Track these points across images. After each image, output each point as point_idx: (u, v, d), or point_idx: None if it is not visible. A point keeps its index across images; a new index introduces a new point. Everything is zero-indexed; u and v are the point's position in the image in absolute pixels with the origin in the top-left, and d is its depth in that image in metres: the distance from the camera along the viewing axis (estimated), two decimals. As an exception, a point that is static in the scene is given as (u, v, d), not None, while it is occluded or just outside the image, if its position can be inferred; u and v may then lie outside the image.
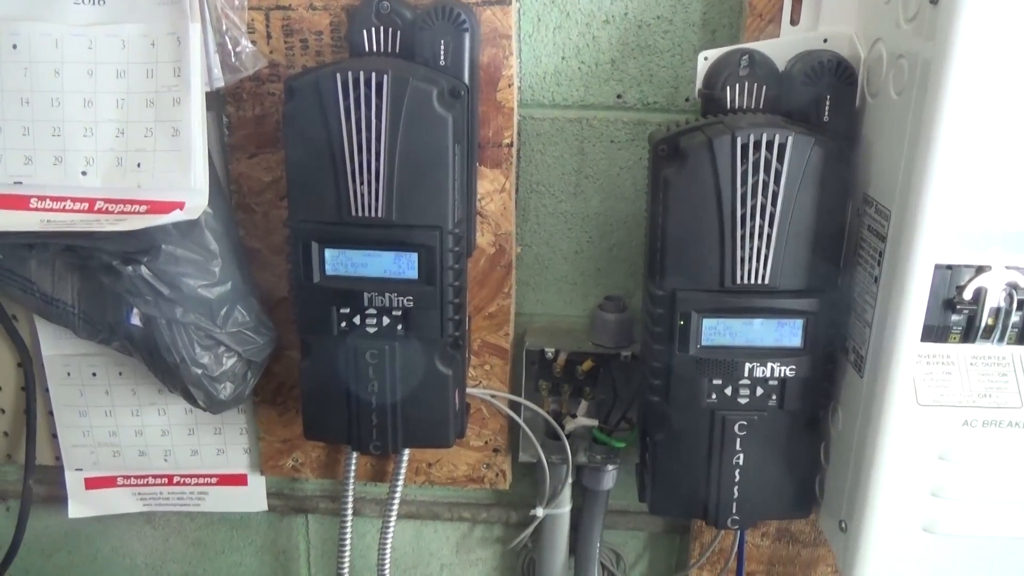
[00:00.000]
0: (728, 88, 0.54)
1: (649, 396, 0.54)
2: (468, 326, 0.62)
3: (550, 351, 0.64)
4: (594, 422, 0.65)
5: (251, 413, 0.70)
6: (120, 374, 0.68)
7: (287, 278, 0.62)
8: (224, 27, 0.55)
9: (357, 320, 0.55)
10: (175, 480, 0.72)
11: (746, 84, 0.53)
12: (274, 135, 0.60)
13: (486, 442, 0.68)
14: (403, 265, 0.54)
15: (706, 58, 0.54)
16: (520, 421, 0.66)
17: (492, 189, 0.61)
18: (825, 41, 0.53)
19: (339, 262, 0.54)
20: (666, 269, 0.51)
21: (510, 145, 0.60)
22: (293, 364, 0.66)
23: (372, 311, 0.54)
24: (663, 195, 0.50)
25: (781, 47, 0.54)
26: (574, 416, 0.65)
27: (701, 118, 0.54)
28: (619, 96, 0.62)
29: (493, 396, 0.66)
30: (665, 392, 0.53)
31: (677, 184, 0.50)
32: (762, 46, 0.54)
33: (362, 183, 0.52)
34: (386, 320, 0.55)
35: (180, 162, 0.53)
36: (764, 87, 0.53)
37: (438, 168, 0.52)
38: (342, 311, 0.55)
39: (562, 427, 0.65)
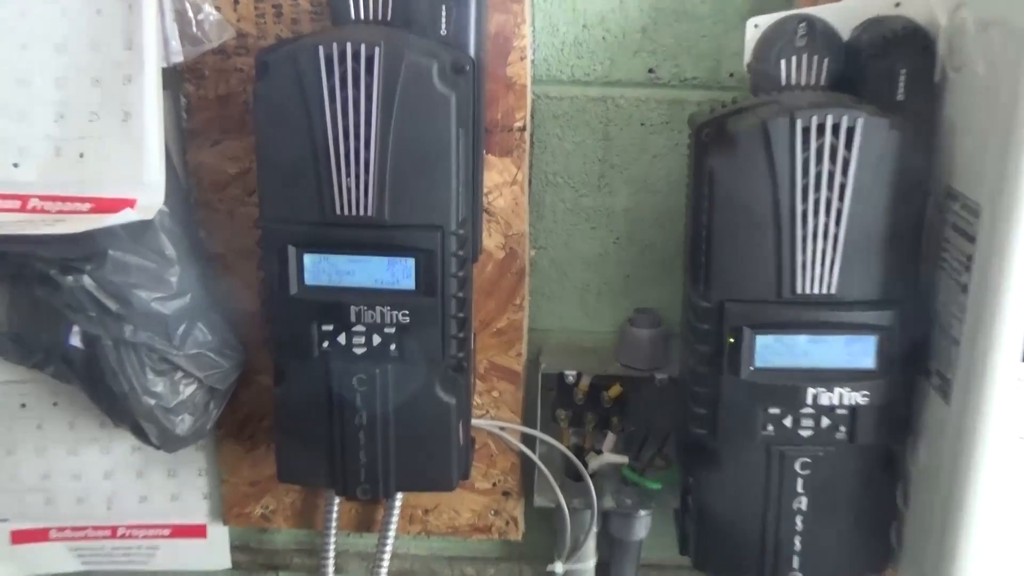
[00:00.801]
0: (783, 61, 0.54)
1: (691, 428, 0.54)
2: (473, 345, 0.62)
3: (570, 374, 0.64)
4: (624, 459, 0.65)
5: (212, 451, 0.69)
6: (55, 405, 0.68)
7: (258, 289, 0.62)
8: (183, -9, 0.55)
9: (342, 339, 0.55)
10: (120, 532, 0.72)
11: (804, 56, 0.54)
12: (242, 119, 0.60)
13: (494, 484, 0.68)
14: (397, 273, 0.54)
15: (756, 25, 0.55)
16: (535, 458, 0.66)
17: (501, 181, 0.61)
18: (897, 5, 0.53)
19: (321, 270, 0.54)
20: (712, 276, 0.51)
21: (522, 129, 0.60)
22: (265, 392, 0.66)
23: (360, 328, 0.55)
24: (708, 188, 0.50)
25: (845, 12, 0.54)
26: (599, 452, 0.65)
27: (751, 97, 0.54)
28: (651, 71, 0.62)
29: (502, 428, 0.66)
30: (711, 423, 0.53)
31: (725, 175, 0.50)
32: (823, 11, 0.54)
33: (349, 176, 0.52)
34: (377, 339, 0.55)
35: (131, 152, 0.53)
36: (826, 60, 0.54)
37: (439, 157, 0.52)
38: (324, 328, 0.55)
39: (585, 465, 0.65)
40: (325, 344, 0.55)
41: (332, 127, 0.51)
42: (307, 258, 0.54)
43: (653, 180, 0.64)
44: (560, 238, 0.66)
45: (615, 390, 0.64)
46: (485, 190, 0.61)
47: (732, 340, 0.51)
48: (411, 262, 0.54)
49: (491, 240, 0.62)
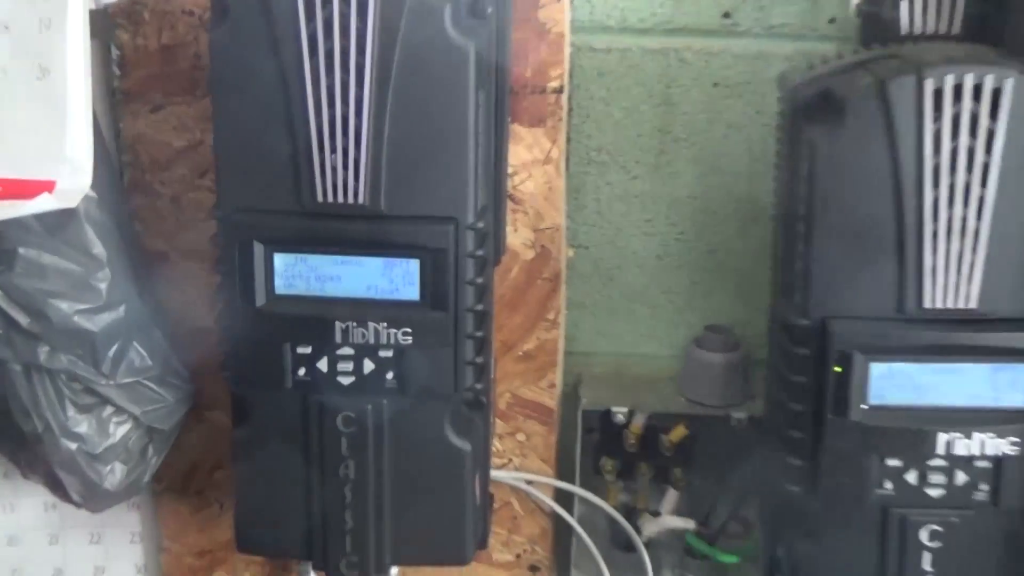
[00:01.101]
0: (904, 2, 0.54)
1: (781, 484, 0.54)
2: (493, 374, 0.62)
3: (620, 412, 0.64)
4: (689, 523, 0.65)
5: (150, 510, 0.70)
6: (-55, 449, 0.68)
7: (213, 299, 0.60)
8: (118, -91, 0.55)
9: (324, 365, 0.55)
10: (28, 615, 0.72)
11: (932, -4, 0.54)
12: (192, 76, 0.61)
13: (518, 555, 0.68)
14: (397, 279, 0.54)
15: (868, -45, 0.55)
16: (572, 522, 0.66)
17: (531, 159, 0.61)
18: (1056, -72, 0.53)
19: (297, 274, 0.54)
20: (812, 285, 0.51)
21: (559, 90, 0.60)
22: (220, 434, 0.66)
23: (348, 351, 0.54)
24: (807, 170, 0.50)
25: (987, -62, 0.54)
26: (656, 514, 0.65)
27: (861, 49, 0.54)
28: (726, 15, 0.62)
29: (530, 483, 0.66)
30: (809, 479, 0.53)
31: (830, 153, 0.50)
32: (958, -64, 0.54)
33: (334, 152, 0.51)
34: (369, 365, 0.55)
35: (49, 119, 0.52)
36: (958, 1, 0.53)
37: (452, 128, 0.52)
38: (300, 351, 0.55)
39: (638, 531, 0.65)
40: (301, 372, 0.55)
41: (313, 87, 0.51)
42: (279, 259, 0.54)
43: (728, 158, 0.64)
44: (606, 234, 0.66)
45: (678, 433, 0.64)
46: (510, 170, 0.61)
47: (839, 369, 0.51)
48: (415, 265, 0.53)
49: (517, 236, 0.62)
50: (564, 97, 0.61)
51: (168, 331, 0.62)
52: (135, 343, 0.59)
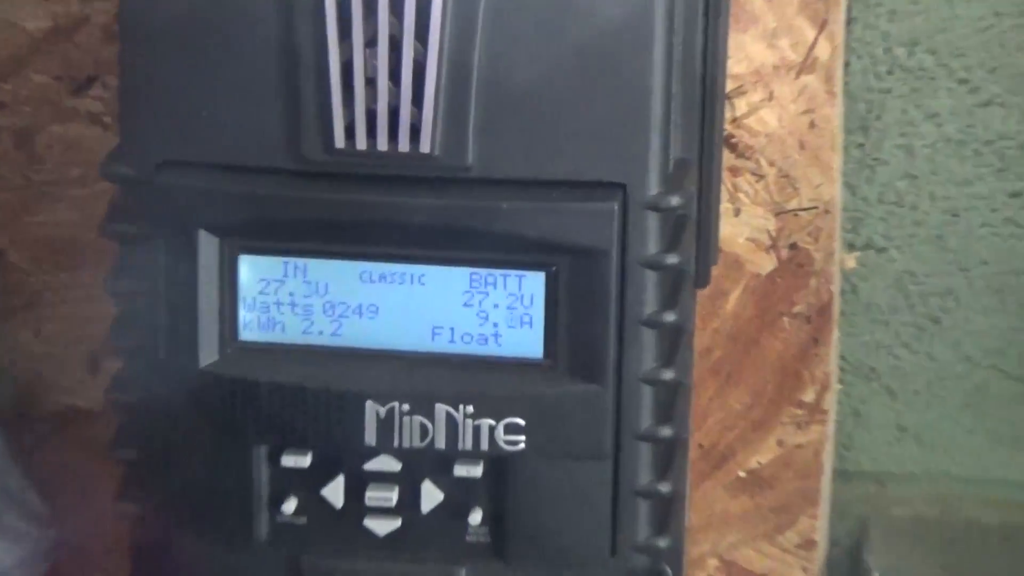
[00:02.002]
0: None
1: None
2: (688, 517, 0.61)
3: None
4: None
5: None
6: None
7: (104, 350, 0.63)
8: None
9: (336, 496, 0.56)
10: None
11: None
12: None
13: None
14: (498, 313, 0.55)
15: None
16: None
17: (774, 63, 0.62)
18: None
19: (286, 301, 0.55)
20: None
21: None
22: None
23: (388, 465, 0.56)
24: None
25: None
26: None
27: None
28: None
29: None
30: None
31: None
32: None
33: (373, 46, 0.52)
34: (434, 497, 0.56)
35: None
36: None
37: (622, 17, 0.52)
38: (287, 464, 0.56)
39: None
40: (288, 508, 0.56)
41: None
42: (248, 267, 0.55)
43: None
44: (927, 223, 0.66)
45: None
46: (730, 86, 0.60)
47: None
48: (537, 282, 0.54)
49: (740, 225, 0.63)
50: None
51: (5, 415, 0.63)
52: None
